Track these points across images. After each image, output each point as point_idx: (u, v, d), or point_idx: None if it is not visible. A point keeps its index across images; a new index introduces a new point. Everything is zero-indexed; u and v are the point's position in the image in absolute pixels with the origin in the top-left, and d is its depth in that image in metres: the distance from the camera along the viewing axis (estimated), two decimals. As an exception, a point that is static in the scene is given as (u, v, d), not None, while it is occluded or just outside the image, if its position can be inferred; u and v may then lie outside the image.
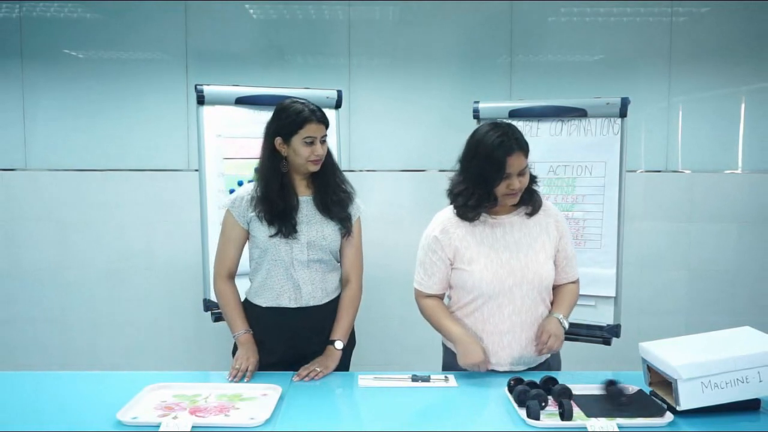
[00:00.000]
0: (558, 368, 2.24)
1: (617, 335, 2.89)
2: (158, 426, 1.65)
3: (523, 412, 1.72)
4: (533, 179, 2.11)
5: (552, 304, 2.18)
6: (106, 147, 3.71)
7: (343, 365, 2.24)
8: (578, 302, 2.28)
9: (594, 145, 2.90)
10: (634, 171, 3.71)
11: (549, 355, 2.17)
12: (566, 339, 2.17)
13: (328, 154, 2.20)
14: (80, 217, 3.72)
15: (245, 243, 2.23)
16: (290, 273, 2.16)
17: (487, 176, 2.00)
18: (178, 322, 3.74)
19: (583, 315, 2.87)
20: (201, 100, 2.97)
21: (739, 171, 3.79)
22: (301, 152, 2.11)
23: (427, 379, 2.04)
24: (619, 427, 1.65)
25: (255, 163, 2.23)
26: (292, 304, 2.18)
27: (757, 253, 3.78)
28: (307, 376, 2.07)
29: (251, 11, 3.71)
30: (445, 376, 2.08)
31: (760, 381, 1.72)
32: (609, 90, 3.30)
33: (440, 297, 2.20)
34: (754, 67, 3.74)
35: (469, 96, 3.19)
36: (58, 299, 3.76)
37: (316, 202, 2.20)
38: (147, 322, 3.77)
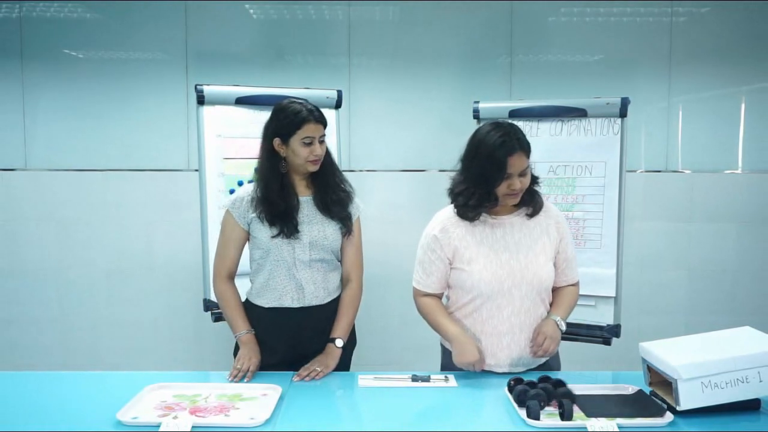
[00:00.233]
0: (558, 368, 2.24)
1: (617, 335, 2.89)
2: (158, 426, 1.65)
3: (523, 412, 1.72)
4: (534, 180, 2.11)
5: (551, 305, 2.18)
6: (106, 147, 3.71)
7: (344, 365, 2.24)
8: (578, 302, 2.27)
9: (594, 145, 2.90)
10: (634, 171, 3.71)
11: (547, 358, 2.17)
12: (566, 339, 2.17)
13: (327, 153, 2.20)
14: (80, 217, 3.72)
15: (245, 244, 2.23)
16: (293, 273, 2.16)
17: (488, 176, 2.00)
18: (178, 322, 3.74)
19: (583, 315, 2.87)
20: (201, 100, 2.97)
21: (739, 171, 3.79)
22: (299, 152, 2.11)
23: (427, 379, 2.04)
24: (619, 427, 1.65)
25: (255, 163, 2.23)
26: (295, 304, 2.18)
27: (757, 253, 3.78)
28: (307, 376, 2.07)
29: (251, 11, 3.71)
30: (445, 376, 2.08)
31: (760, 381, 1.72)
32: (609, 90, 3.30)
33: (438, 296, 2.20)
34: (754, 67, 3.74)
35: (469, 96, 3.19)
36: (58, 299, 3.76)
37: (316, 201, 2.20)
38: (147, 322, 3.77)
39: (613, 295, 2.89)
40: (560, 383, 1.85)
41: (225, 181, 2.99)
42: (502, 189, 2.02)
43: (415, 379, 2.04)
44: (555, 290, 2.19)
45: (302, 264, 2.16)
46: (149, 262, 3.75)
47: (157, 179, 3.72)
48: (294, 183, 2.19)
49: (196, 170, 3.09)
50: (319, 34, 3.71)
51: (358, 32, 3.71)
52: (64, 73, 3.68)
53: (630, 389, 1.90)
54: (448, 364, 2.19)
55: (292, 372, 2.10)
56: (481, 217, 2.09)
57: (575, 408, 1.75)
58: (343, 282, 2.28)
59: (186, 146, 3.70)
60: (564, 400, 1.73)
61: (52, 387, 2.00)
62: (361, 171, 3.72)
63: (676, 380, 1.71)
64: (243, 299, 2.26)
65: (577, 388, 1.88)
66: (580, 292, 2.27)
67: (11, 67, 3.66)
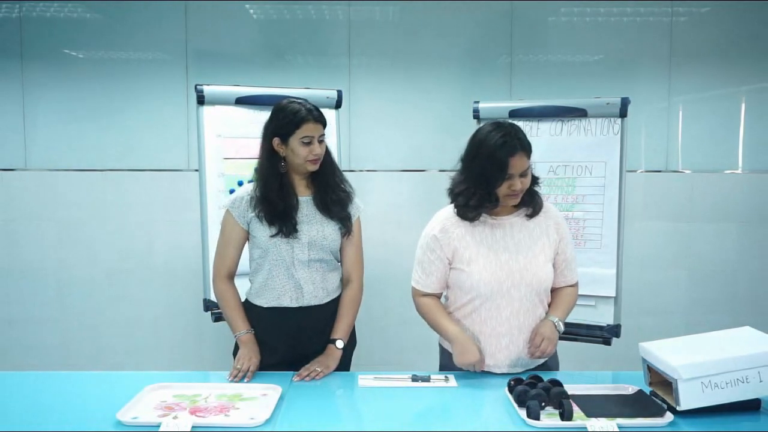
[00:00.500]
0: (556, 368, 2.24)
1: (617, 335, 2.89)
2: (158, 426, 1.65)
3: (523, 412, 1.72)
4: (535, 180, 2.11)
5: (549, 306, 2.17)
6: (106, 147, 3.71)
7: (344, 365, 2.24)
8: (578, 302, 2.27)
9: (594, 145, 2.90)
10: (634, 171, 3.71)
11: (545, 359, 2.16)
12: (566, 339, 2.17)
13: (327, 153, 2.20)
14: (80, 217, 3.72)
15: (245, 243, 2.23)
16: (291, 273, 2.16)
17: (489, 176, 2.00)
18: (178, 322, 3.74)
19: (583, 315, 2.86)
20: (201, 100, 2.97)
21: (739, 171, 3.79)
22: (299, 152, 2.11)
23: (427, 379, 2.04)
24: (619, 427, 1.65)
25: (255, 163, 2.22)
26: (294, 304, 2.18)
27: (757, 253, 3.78)
28: (307, 376, 2.07)
29: (251, 11, 3.71)
30: (445, 376, 2.08)
31: (760, 381, 1.72)
32: (609, 90, 3.30)
33: (437, 296, 2.20)
34: (754, 67, 3.74)
35: (469, 96, 3.19)
36: (59, 299, 3.76)
37: (315, 201, 2.20)
38: (147, 322, 3.77)
39: (613, 295, 2.89)
40: (556, 383, 1.86)
41: (225, 181, 2.99)
42: (502, 189, 2.02)
43: (415, 379, 2.04)
44: (554, 291, 2.18)
45: (301, 264, 2.16)
46: (149, 261, 3.75)
47: (157, 179, 3.72)
48: (294, 183, 2.19)
49: (196, 170, 3.09)
50: (319, 34, 3.71)
51: (358, 32, 3.71)
52: (64, 73, 3.68)
53: (630, 389, 1.90)
54: (446, 365, 2.19)
55: (292, 372, 2.10)
56: (481, 218, 2.09)
57: (575, 408, 1.75)
58: (344, 282, 2.28)
59: (186, 146, 3.70)
60: (564, 400, 1.73)
61: (52, 387, 2.00)
62: (361, 171, 3.72)
63: (676, 380, 1.71)
64: (243, 299, 2.26)
65: (578, 388, 1.88)
66: (580, 292, 2.27)
67: (11, 67, 3.66)
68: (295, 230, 2.14)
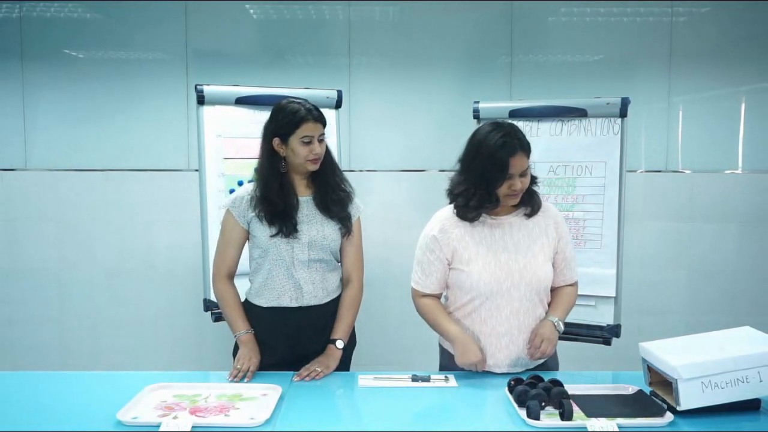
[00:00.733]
0: (556, 368, 2.24)
1: (617, 335, 2.89)
2: (158, 426, 1.65)
3: (523, 412, 1.72)
4: (533, 180, 2.11)
5: (549, 305, 2.17)
6: (106, 147, 3.71)
7: (344, 365, 2.24)
8: (578, 302, 2.27)
9: (594, 145, 2.90)
10: (634, 171, 3.71)
11: (545, 359, 2.16)
12: (566, 339, 2.17)
13: (328, 153, 2.20)
14: (80, 217, 3.72)
15: (245, 243, 2.23)
16: (291, 273, 2.16)
17: (490, 177, 2.00)
18: (178, 322, 3.74)
19: (583, 315, 2.86)
20: (201, 100, 2.97)
21: (739, 171, 3.79)
22: (299, 152, 2.11)
23: (427, 379, 2.04)
24: (619, 427, 1.65)
25: (255, 163, 2.23)
26: (293, 304, 2.18)
27: (757, 253, 3.78)
28: (307, 376, 2.07)
29: (251, 11, 3.71)
30: (445, 376, 2.08)
31: (760, 381, 1.72)
32: (609, 90, 3.30)
33: (437, 296, 2.20)
34: (754, 67, 3.74)
35: (469, 96, 3.19)
36: (58, 299, 3.76)
37: (316, 201, 2.20)
38: (147, 322, 3.77)
39: (613, 295, 2.89)
40: (556, 383, 1.86)
41: (225, 181, 2.99)
42: (503, 189, 2.02)
43: (415, 379, 2.05)
44: (554, 290, 2.18)
45: (301, 264, 2.16)
46: (149, 261, 3.75)
47: (157, 179, 3.72)
48: (294, 183, 2.19)
49: (196, 170, 3.09)
50: (319, 34, 3.71)
51: (358, 32, 3.71)
52: (65, 73, 3.68)
53: (630, 389, 1.90)
54: (446, 365, 2.19)
55: (292, 372, 2.10)
56: (480, 218, 2.09)
57: (575, 408, 1.75)
58: (344, 282, 2.28)
59: (186, 146, 3.70)
60: (564, 400, 1.73)
61: (52, 387, 2.00)
62: (361, 171, 3.72)
63: (676, 380, 1.71)
64: (243, 299, 2.26)
65: (578, 388, 1.88)
66: (580, 292, 2.27)
67: (11, 67, 3.66)
68: (295, 230, 2.14)
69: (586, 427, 1.65)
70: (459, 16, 3.70)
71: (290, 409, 1.81)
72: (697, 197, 3.76)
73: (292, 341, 2.19)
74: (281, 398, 1.86)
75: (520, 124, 2.87)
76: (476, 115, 3.01)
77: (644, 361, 1.89)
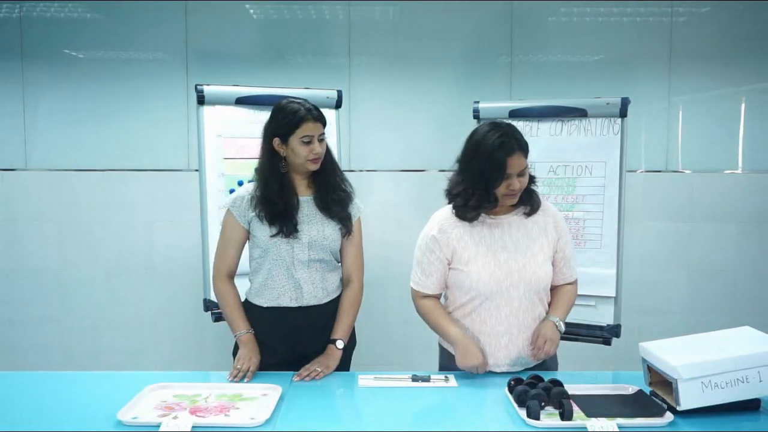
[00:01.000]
0: (555, 368, 2.24)
1: (617, 335, 2.89)
2: (158, 426, 1.65)
3: (523, 412, 1.72)
4: (532, 179, 2.11)
5: (549, 305, 2.17)
6: (106, 147, 3.71)
7: (344, 365, 2.24)
8: (578, 302, 2.27)
9: (594, 145, 2.90)
10: (634, 171, 3.71)
11: (546, 359, 2.16)
12: (566, 339, 2.17)
13: (328, 152, 2.20)
14: (80, 217, 3.72)
15: (245, 243, 2.23)
16: (291, 273, 2.16)
17: (488, 177, 2.00)
18: (178, 322, 3.74)
19: (583, 315, 2.87)
20: (201, 100, 2.97)
21: (739, 171, 3.79)
22: (299, 152, 2.11)
23: (427, 379, 2.04)
24: (619, 427, 1.65)
25: (255, 163, 2.23)
26: (293, 304, 2.18)
27: (757, 253, 3.78)
28: (307, 376, 2.07)
29: (251, 11, 3.71)
30: (445, 376, 2.08)
31: (760, 381, 1.72)
32: (609, 90, 3.30)
33: (437, 297, 2.20)
34: (754, 67, 3.74)
35: (469, 96, 3.19)
36: (58, 299, 3.76)
37: (316, 201, 2.20)
38: (147, 322, 3.77)
39: (613, 295, 2.89)
40: (556, 383, 1.86)
41: (225, 181, 2.99)
42: (501, 189, 2.02)
43: (415, 379, 2.05)
44: (553, 289, 2.18)
45: (300, 264, 2.16)
46: (149, 262, 3.75)
47: (158, 179, 3.72)
48: (294, 183, 2.19)
49: (196, 170, 3.09)
50: (319, 34, 3.71)
51: (358, 32, 3.71)
52: (65, 73, 3.68)
53: (630, 389, 1.90)
54: (446, 364, 2.19)
55: (292, 372, 2.10)
56: (479, 217, 2.09)
57: (575, 408, 1.75)
58: (344, 282, 2.28)
59: (186, 146, 3.70)
60: (564, 400, 1.73)
61: (53, 387, 2.00)
62: (361, 171, 3.72)
63: (676, 380, 1.71)
64: (243, 299, 2.26)
65: (578, 388, 1.88)
66: (580, 292, 2.27)
67: (11, 67, 3.66)
68: (296, 230, 2.14)
69: (586, 427, 1.65)
70: (459, 16, 3.70)
71: (290, 409, 1.81)
72: (697, 197, 3.76)
73: (292, 341, 2.19)
74: (281, 398, 1.86)
75: (520, 124, 2.90)
76: (476, 115, 3.01)
77: (644, 361, 1.89)
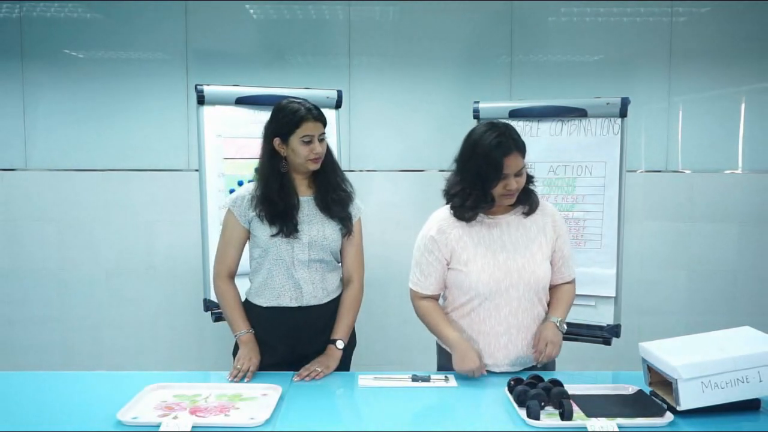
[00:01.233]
0: (553, 368, 2.24)
1: (617, 335, 2.89)
2: (158, 426, 1.65)
3: (523, 412, 1.72)
4: (530, 179, 2.11)
5: (548, 305, 2.17)
6: (106, 147, 3.71)
7: (344, 365, 2.24)
8: (578, 302, 2.28)
9: (594, 145, 2.90)
10: (634, 171, 3.71)
11: (548, 361, 2.16)
12: (566, 339, 2.17)
13: (329, 152, 2.20)
14: (80, 217, 3.72)
15: (246, 242, 2.23)
16: (291, 273, 2.17)
17: (485, 177, 2.00)
18: (178, 322, 3.75)
19: (583, 315, 2.87)
20: (201, 100, 2.97)
21: (739, 171, 3.79)
22: (299, 151, 2.11)
23: (427, 379, 2.04)
24: (619, 427, 1.65)
25: (255, 163, 2.23)
26: (293, 304, 2.18)
27: (757, 253, 3.78)
28: (307, 376, 2.07)
29: (251, 11, 3.71)
30: (445, 376, 2.08)
31: (760, 381, 1.72)
32: (609, 90, 3.30)
33: (436, 298, 2.19)
34: (754, 67, 3.74)
35: (469, 96, 3.19)
36: (58, 299, 3.76)
37: (317, 201, 2.20)
38: (147, 322, 3.77)
39: (613, 295, 2.89)
40: (556, 383, 1.86)
41: (225, 181, 2.99)
42: (498, 189, 2.02)
43: (415, 379, 2.05)
44: (552, 288, 2.18)
45: (300, 264, 2.16)
46: (149, 262, 3.75)
47: (157, 179, 3.72)
48: (295, 183, 2.19)
49: (196, 170, 3.09)
50: (319, 34, 3.71)
51: (358, 32, 3.71)
52: (65, 73, 3.69)
53: (630, 389, 1.90)
54: (444, 365, 2.19)
55: (292, 372, 2.10)
56: (478, 217, 2.09)
57: (575, 408, 1.75)
58: (344, 283, 2.28)
59: (186, 146, 3.70)
60: (564, 400, 1.73)
61: (52, 387, 2.00)
62: (361, 171, 3.72)
63: (676, 380, 1.71)
64: (243, 299, 2.26)
65: (578, 388, 1.88)
66: (581, 292, 2.28)
67: (11, 67, 3.66)
68: (296, 230, 2.14)
69: (586, 427, 1.65)
70: (459, 16, 3.70)
71: (290, 409, 1.81)
72: (697, 197, 3.76)
73: (292, 341, 2.19)
74: (281, 398, 1.86)
75: (520, 124, 2.91)
76: (476, 115, 3.01)
77: (644, 361, 1.89)
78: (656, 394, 1.84)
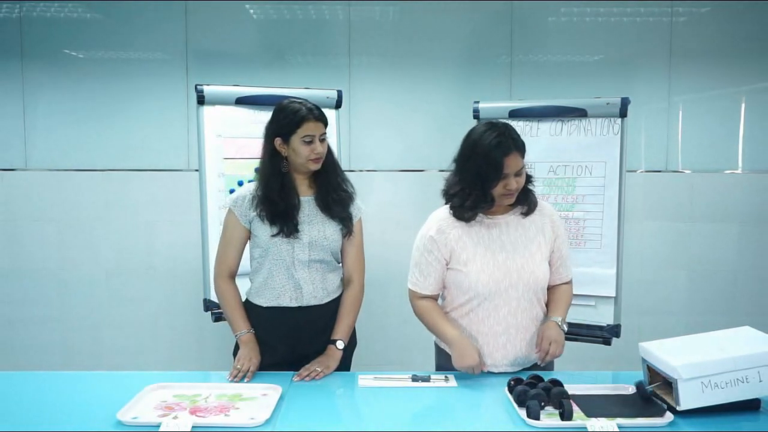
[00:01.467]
0: (551, 368, 2.24)
1: (617, 335, 2.89)
2: (158, 426, 1.65)
3: (523, 412, 1.72)
4: (529, 179, 2.11)
5: (548, 305, 2.17)
6: (106, 147, 3.71)
7: (344, 365, 2.24)
8: (578, 302, 2.28)
9: (594, 145, 2.90)
10: (634, 171, 3.71)
11: (551, 360, 2.16)
12: (566, 339, 2.17)
13: (329, 152, 2.20)
14: (80, 217, 3.72)
15: (246, 242, 2.23)
16: (291, 273, 2.17)
17: (485, 177, 2.00)
18: (178, 322, 3.75)
19: (583, 315, 2.87)
20: (201, 100, 2.97)
21: (739, 171, 3.79)
22: (300, 151, 2.12)
23: (427, 379, 2.04)
24: (619, 427, 1.65)
25: (255, 163, 2.23)
26: (293, 304, 2.18)
27: (757, 253, 3.78)
28: (307, 376, 2.07)
29: (251, 11, 3.71)
30: (445, 376, 2.08)
31: (760, 381, 1.72)
32: (609, 90, 3.30)
33: (435, 298, 2.19)
34: (754, 67, 3.74)
35: (469, 96, 3.19)
36: (58, 299, 3.76)
37: (317, 201, 2.20)
38: (147, 322, 3.77)
39: (613, 295, 2.89)
40: (556, 383, 1.86)
41: (225, 181, 2.99)
42: (498, 189, 2.02)
43: (415, 379, 2.05)
44: (550, 288, 2.18)
45: (301, 264, 2.16)
46: (149, 262, 3.75)
47: (157, 179, 3.72)
48: (296, 183, 2.19)
49: (196, 170, 3.09)
50: (319, 34, 3.71)
51: (358, 32, 3.71)
52: (65, 73, 3.69)
53: (630, 389, 1.90)
54: (443, 365, 2.19)
55: (292, 372, 2.10)
56: (477, 217, 2.09)
57: (575, 408, 1.75)
58: (345, 283, 2.28)
59: (186, 146, 3.70)
60: (564, 400, 1.73)
61: (52, 387, 2.00)
62: (361, 171, 3.72)
63: (676, 380, 1.71)
64: (243, 298, 2.26)
65: (578, 388, 1.88)
66: (580, 292, 2.28)
67: (11, 67, 3.67)
68: (296, 230, 2.14)
69: (586, 427, 1.65)
70: (459, 16, 3.70)
71: (290, 409, 1.81)
72: (697, 197, 3.76)
73: (293, 341, 2.19)
74: (281, 398, 1.86)
75: (520, 124, 2.91)
76: (476, 115, 3.01)
77: (644, 361, 1.89)
78: (656, 394, 1.84)
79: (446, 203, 2.13)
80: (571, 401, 1.75)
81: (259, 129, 2.20)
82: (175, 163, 3.73)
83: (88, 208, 3.72)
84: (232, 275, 2.24)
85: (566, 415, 1.69)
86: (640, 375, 1.93)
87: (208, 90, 2.98)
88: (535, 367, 2.15)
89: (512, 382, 1.90)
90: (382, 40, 3.73)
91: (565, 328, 2.12)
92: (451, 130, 3.48)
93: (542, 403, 1.75)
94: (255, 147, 2.23)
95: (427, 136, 3.74)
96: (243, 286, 2.28)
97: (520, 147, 2.02)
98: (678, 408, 1.71)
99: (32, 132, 3.72)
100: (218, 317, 2.86)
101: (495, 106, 3.04)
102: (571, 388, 1.85)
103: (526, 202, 2.11)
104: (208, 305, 2.96)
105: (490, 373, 2.08)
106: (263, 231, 2.15)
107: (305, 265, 2.17)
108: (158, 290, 3.75)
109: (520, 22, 3.72)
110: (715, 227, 3.77)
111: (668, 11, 3.71)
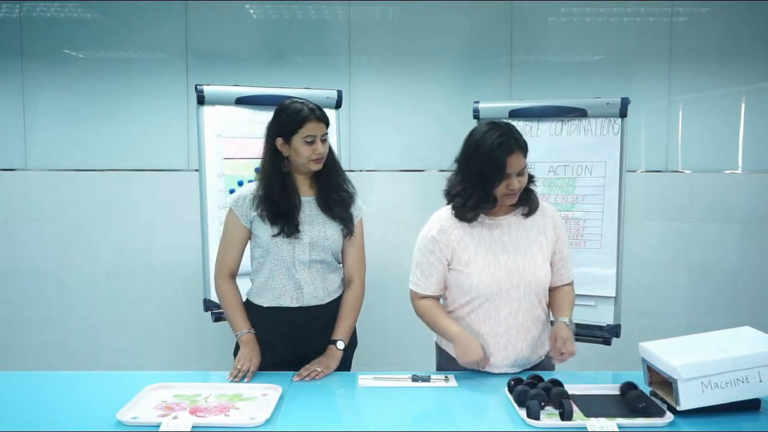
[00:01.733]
0: (551, 368, 2.24)
1: (617, 335, 2.89)
2: (158, 426, 1.65)
3: (523, 412, 1.72)
4: (531, 179, 2.11)
5: (551, 306, 2.17)
6: (106, 147, 3.71)
7: (345, 366, 2.24)
8: (578, 302, 2.28)
9: (594, 145, 2.90)
10: (634, 171, 3.71)
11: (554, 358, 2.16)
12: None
13: (331, 153, 2.20)
14: (80, 217, 3.72)
15: (247, 242, 2.23)
16: (292, 273, 2.16)
17: (487, 177, 2.00)
18: (178, 322, 3.74)
19: (583, 315, 2.86)
20: (201, 100, 2.97)
21: (739, 171, 3.79)
22: (302, 151, 2.11)
23: (427, 379, 2.04)
24: (619, 427, 1.65)
25: (255, 163, 2.23)
26: (294, 304, 2.18)
27: (757, 253, 3.78)
28: (307, 376, 2.07)
29: (251, 11, 3.71)
30: (445, 376, 2.08)
31: (760, 381, 1.72)
32: (609, 90, 3.30)
33: (436, 299, 2.19)
34: (754, 67, 3.74)
35: (469, 96, 3.19)
36: (58, 299, 3.76)
37: (318, 201, 2.20)
38: (147, 322, 3.76)
39: (613, 295, 2.89)
40: (556, 383, 1.86)
41: (225, 181, 2.99)
42: (500, 189, 2.02)
43: (415, 379, 2.05)
44: (552, 290, 2.18)
45: (301, 264, 2.16)
46: (149, 262, 3.75)
47: (157, 179, 3.72)
48: (297, 183, 2.19)
49: (196, 170, 3.09)
50: (319, 34, 3.71)
51: (358, 32, 3.71)
52: (64, 73, 3.68)
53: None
54: (443, 365, 2.19)
55: (292, 372, 2.10)
56: (479, 218, 2.09)
57: (575, 408, 1.75)
58: (346, 283, 2.28)
59: (186, 146, 3.70)
60: (564, 400, 1.73)
61: (52, 387, 2.00)
62: (361, 171, 3.72)
63: (676, 380, 1.71)
64: (244, 299, 2.26)
65: (578, 388, 1.88)
66: (581, 292, 2.28)
67: (11, 67, 3.66)
68: (297, 230, 2.14)
69: (586, 427, 1.65)
70: (459, 16, 3.70)
71: (290, 409, 1.81)
72: (697, 197, 3.76)
73: (293, 341, 2.19)
74: (281, 398, 1.86)
75: (520, 124, 2.91)
76: (476, 115, 3.01)
77: (644, 361, 1.89)
78: (656, 394, 1.84)
79: (448, 203, 2.13)
80: (571, 401, 1.75)
81: (259, 129, 2.20)
82: (175, 163, 3.73)
83: (88, 208, 3.72)
84: (233, 275, 2.24)
85: (566, 415, 1.69)
86: (640, 375, 1.93)
87: (208, 90, 2.98)
88: (536, 367, 2.15)
89: (512, 382, 1.90)
90: (382, 40, 3.73)
91: (574, 329, 2.12)
92: (452, 130, 3.50)
93: (542, 403, 1.75)
94: (255, 147, 2.23)
95: (427, 136, 3.74)
96: (244, 286, 2.28)
97: (522, 147, 2.02)
98: (678, 408, 1.71)
99: (32, 132, 3.72)
100: (218, 317, 2.86)
101: (495, 106, 3.05)
102: (571, 388, 1.85)
103: (527, 202, 2.11)
104: (208, 305, 2.96)
105: (491, 374, 2.08)
106: (264, 231, 2.15)
107: (306, 266, 2.17)
108: (158, 290, 3.75)
109: (520, 21, 3.72)
110: (715, 227, 3.77)
111: (668, 11, 3.71)
